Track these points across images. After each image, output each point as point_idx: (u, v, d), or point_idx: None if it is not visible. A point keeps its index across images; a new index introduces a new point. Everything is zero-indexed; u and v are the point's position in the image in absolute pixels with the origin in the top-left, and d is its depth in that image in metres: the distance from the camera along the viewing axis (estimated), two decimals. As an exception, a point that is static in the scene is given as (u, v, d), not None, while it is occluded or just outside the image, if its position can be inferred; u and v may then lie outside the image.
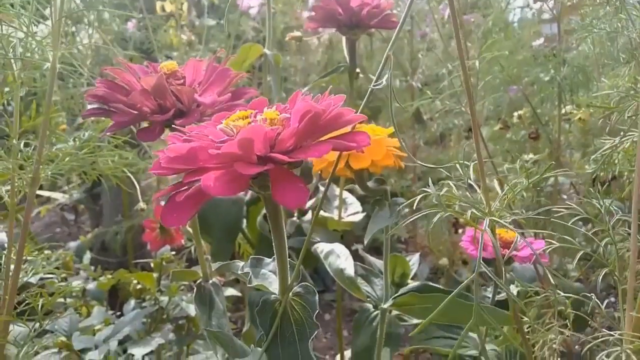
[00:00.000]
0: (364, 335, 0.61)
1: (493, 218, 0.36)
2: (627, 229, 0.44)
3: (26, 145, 0.55)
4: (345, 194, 0.78)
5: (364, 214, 0.74)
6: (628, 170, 0.55)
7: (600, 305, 0.45)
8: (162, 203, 0.84)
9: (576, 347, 0.74)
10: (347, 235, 0.83)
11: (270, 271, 0.40)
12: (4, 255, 0.55)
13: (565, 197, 0.98)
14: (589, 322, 0.66)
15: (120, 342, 0.73)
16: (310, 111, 0.26)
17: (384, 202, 0.51)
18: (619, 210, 0.46)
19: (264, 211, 0.76)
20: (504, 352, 0.63)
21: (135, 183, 0.79)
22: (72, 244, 1.12)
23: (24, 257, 0.56)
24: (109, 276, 0.89)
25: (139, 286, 0.83)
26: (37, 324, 0.56)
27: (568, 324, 0.48)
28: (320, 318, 0.93)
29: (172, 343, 0.81)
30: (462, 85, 0.89)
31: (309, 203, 0.79)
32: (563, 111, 0.87)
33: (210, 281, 0.53)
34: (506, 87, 0.93)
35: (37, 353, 0.66)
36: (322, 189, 0.76)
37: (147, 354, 0.75)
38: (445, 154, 1.14)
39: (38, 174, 0.53)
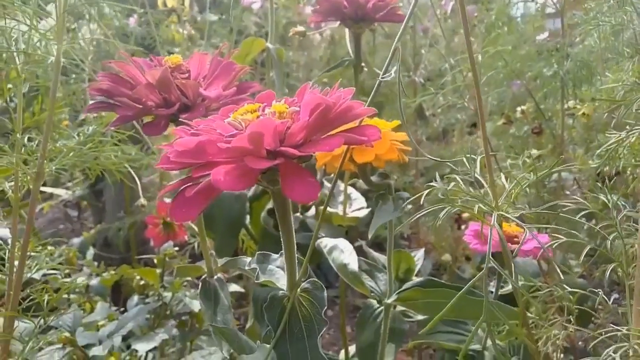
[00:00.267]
0: (368, 331, 0.61)
1: (501, 212, 0.36)
2: (632, 225, 0.44)
3: (29, 140, 0.55)
4: (350, 189, 0.77)
5: (369, 209, 0.74)
6: (632, 165, 0.55)
7: (608, 300, 0.45)
8: (166, 200, 0.84)
9: (579, 343, 0.74)
10: (351, 231, 0.83)
11: (277, 267, 0.39)
12: (8, 251, 0.55)
13: (568, 192, 0.98)
14: (593, 318, 0.66)
15: (124, 338, 0.73)
16: (321, 104, 0.26)
17: (388, 196, 0.51)
18: (626, 205, 0.46)
19: (267, 207, 0.76)
20: (507, 347, 0.63)
21: (137, 179, 0.79)
22: (75, 240, 1.12)
23: (28, 253, 0.55)
24: (112, 272, 0.89)
25: (142, 282, 0.83)
26: (42, 320, 0.56)
27: (572, 320, 0.48)
28: (323, 314, 0.93)
29: (176, 339, 0.81)
30: (465, 80, 0.89)
31: (313, 198, 0.78)
32: (566, 106, 0.87)
33: (215, 277, 0.53)
34: (509, 81, 0.92)
35: (41, 349, 0.66)
36: (326, 184, 0.76)
37: (150, 350, 0.75)
38: (448, 149, 1.14)
39: (42, 169, 0.53)
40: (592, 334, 0.42)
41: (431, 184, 0.40)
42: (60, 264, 0.75)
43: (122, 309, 0.85)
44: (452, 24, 1.12)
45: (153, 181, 1.11)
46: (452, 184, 0.38)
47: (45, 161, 0.53)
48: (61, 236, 1.05)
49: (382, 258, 0.66)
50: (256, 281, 0.37)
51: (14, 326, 0.55)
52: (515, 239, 0.57)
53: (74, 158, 0.57)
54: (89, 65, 0.79)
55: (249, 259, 0.41)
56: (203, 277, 0.52)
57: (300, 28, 0.79)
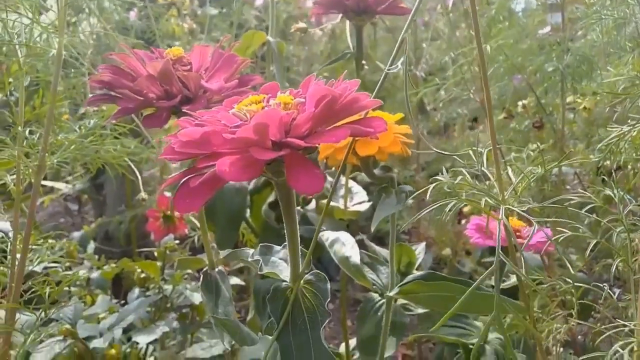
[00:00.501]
0: (369, 324, 0.61)
1: (508, 206, 0.36)
2: (635, 219, 0.44)
3: (31, 133, 0.55)
4: (351, 183, 0.77)
5: (370, 203, 0.74)
6: (633, 159, 0.55)
7: (613, 295, 0.45)
8: (167, 193, 0.84)
9: (579, 337, 0.74)
10: (352, 225, 0.83)
11: (280, 259, 0.39)
12: (9, 244, 0.55)
13: (569, 187, 0.98)
14: (592, 313, 0.66)
15: (125, 331, 0.73)
16: (327, 95, 0.26)
17: (391, 189, 0.51)
18: (631, 200, 0.46)
19: (269, 200, 0.76)
20: (508, 341, 0.63)
21: (137, 173, 0.79)
22: (76, 234, 1.12)
23: (30, 246, 0.55)
24: (113, 265, 0.89)
25: (143, 275, 0.83)
26: (43, 313, 0.56)
27: (573, 314, 0.48)
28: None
29: (176, 331, 0.82)
30: (471, 72, 0.89)
31: (313, 192, 0.78)
32: (567, 100, 0.87)
33: (216, 269, 0.53)
34: (510, 76, 0.92)
35: (42, 341, 0.66)
36: (329, 178, 0.76)
37: (151, 342, 0.76)
38: (449, 144, 1.14)
39: (44, 161, 0.53)
40: (597, 329, 0.42)
41: (437, 177, 0.40)
42: (61, 256, 0.75)
43: (122, 302, 0.85)
44: (453, 18, 1.11)
45: (153, 175, 1.11)
46: (460, 177, 0.38)
47: (47, 154, 0.53)
48: (62, 230, 1.05)
49: (383, 252, 0.66)
50: (259, 273, 0.37)
51: (16, 318, 0.55)
52: (518, 234, 0.57)
53: (75, 151, 0.57)
54: (89, 59, 0.78)
55: (251, 251, 0.41)
56: (204, 269, 0.52)
57: (301, 24, 0.79)
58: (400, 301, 0.63)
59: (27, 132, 0.54)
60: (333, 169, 0.60)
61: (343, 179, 0.75)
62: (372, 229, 0.50)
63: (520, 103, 0.94)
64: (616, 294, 0.47)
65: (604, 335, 0.39)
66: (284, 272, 0.37)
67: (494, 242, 0.56)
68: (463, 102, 1.08)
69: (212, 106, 0.43)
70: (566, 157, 0.39)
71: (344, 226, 0.73)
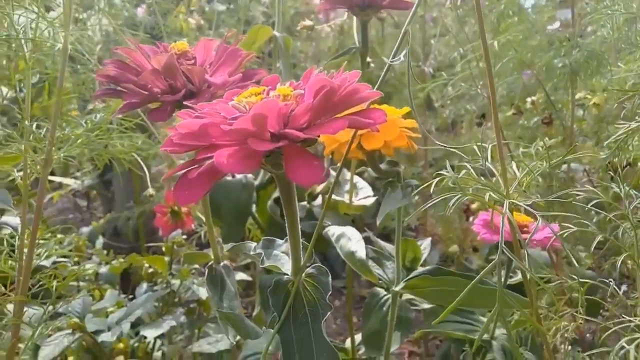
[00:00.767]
0: (375, 319, 0.61)
1: (512, 200, 0.36)
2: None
3: (38, 128, 0.55)
4: (356, 178, 0.77)
5: (375, 198, 0.73)
6: (643, 156, 0.54)
7: (618, 291, 0.44)
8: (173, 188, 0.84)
9: (587, 335, 0.74)
10: (357, 222, 0.83)
11: (282, 252, 0.39)
12: (17, 238, 0.55)
13: (578, 185, 0.97)
14: (601, 311, 0.65)
15: (133, 325, 0.74)
16: (325, 86, 0.26)
17: (397, 184, 0.51)
18: (636, 196, 0.45)
19: (274, 195, 0.76)
20: (514, 338, 0.63)
21: (145, 169, 0.79)
22: (85, 230, 1.12)
23: (37, 240, 0.56)
24: (121, 260, 0.90)
25: (150, 270, 0.83)
26: (51, 307, 0.57)
27: (581, 311, 0.48)
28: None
29: (184, 326, 0.82)
30: (478, 67, 0.88)
31: (319, 188, 0.78)
32: (577, 97, 0.86)
33: (222, 264, 0.53)
34: (519, 72, 0.91)
35: (50, 335, 0.67)
36: (333, 174, 0.76)
37: (158, 337, 0.76)
38: (457, 140, 1.13)
39: (51, 155, 0.53)
40: (603, 324, 0.41)
41: (441, 172, 0.39)
42: (70, 251, 0.76)
43: (131, 297, 0.86)
44: (462, 13, 1.10)
45: (162, 171, 1.11)
46: (463, 171, 0.38)
47: (54, 148, 0.54)
48: (71, 225, 1.06)
49: (388, 247, 0.66)
50: (261, 266, 0.37)
51: (24, 311, 0.56)
52: (525, 229, 0.57)
53: (82, 145, 0.58)
54: (98, 55, 0.79)
55: (254, 244, 0.41)
56: (210, 263, 0.52)
57: (308, 22, 0.79)
58: (406, 296, 0.63)
59: (34, 126, 0.54)
60: (339, 164, 0.60)
61: (348, 175, 0.75)
62: (378, 223, 0.50)
63: (529, 99, 0.93)
64: (624, 291, 0.46)
65: (610, 331, 0.38)
66: (286, 266, 0.37)
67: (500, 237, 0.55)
68: (471, 99, 1.07)
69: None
70: (571, 151, 0.39)
71: (349, 221, 0.73)
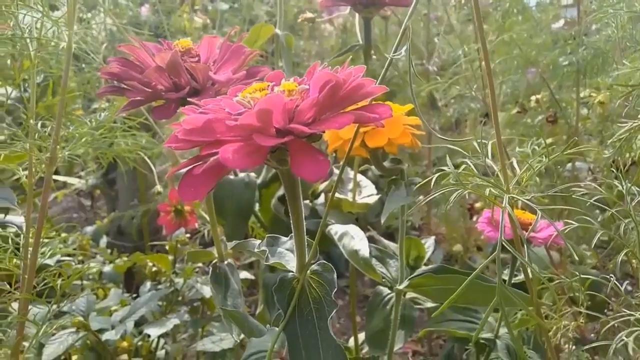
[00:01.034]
0: (378, 318, 0.61)
1: (512, 195, 0.36)
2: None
3: (43, 126, 0.55)
4: (360, 177, 0.77)
5: (379, 196, 0.73)
6: (647, 154, 0.53)
7: (620, 286, 0.44)
8: (176, 185, 0.84)
9: (591, 335, 0.73)
10: (360, 221, 0.83)
11: (286, 249, 0.39)
12: (22, 236, 0.56)
13: (582, 184, 0.97)
14: (605, 311, 0.65)
15: (137, 323, 0.74)
16: (330, 80, 0.26)
17: (400, 181, 0.51)
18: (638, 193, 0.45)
19: (278, 194, 0.76)
20: (519, 336, 0.63)
21: (152, 167, 0.79)
22: (89, 229, 1.13)
23: (42, 239, 0.56)
24: (125, 259, 0.90)
25: (154, 268, 0.83)
26: (55, 305, 0.57)
27: (582, 311, 0.48)
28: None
29: (187, 324, 0.82)
30: (480, 68, 0.88)
31: (322, 186, 0.78)
32: (582, 95, 0.86)
33: (226, 262, 0.53)
34: (524, 70, 0.91)
35: (54, 333, 0.67)
36: (336, 172, 0.75)
37: (162, 335, 0.76)
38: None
39: (55, 153, 0.53)
40: (604, 319, 0.41)
41: (442, 167, 0.39)
42: (74, 249, 0.76)
43: (134, 295, 0.86)
44: (467, 12, 1.10)
45: (166, 170, 1.11)
46: (463, 166, 0.38)
47: (58, 147, 0.54)
48: (75, 224, 1.06)
49: (392, 246, 0.66)
50: (265, 263, 0.37)
51: (29, 309, 0.56)
52: (529, 227, 0.57)
53: (86, 144, 0.58)
54: (103, 54, 0.79)
55: (258, 242, 0.41)
56: (214, 261, 0.52)
57: (309, 14, 0.79)
58: (410, 295, 0.63)
59: (39, 125, 0.54)
60: (342, 162, 0.60)
61: (352, 173, 0.75)
62: (383, 221, 0.50)
63: (533, 98, 0.93)
64: (628, 290, 0.46)
65: (609, 325, 0.38)
66: (291, 263, 0.37)
67: (506, 236, 0.55)
68: (475, 97, 1.07)
69: (220, 98, 0.43)
70: (570, 145, 0.39)
71: (352, 219, 0.73)
